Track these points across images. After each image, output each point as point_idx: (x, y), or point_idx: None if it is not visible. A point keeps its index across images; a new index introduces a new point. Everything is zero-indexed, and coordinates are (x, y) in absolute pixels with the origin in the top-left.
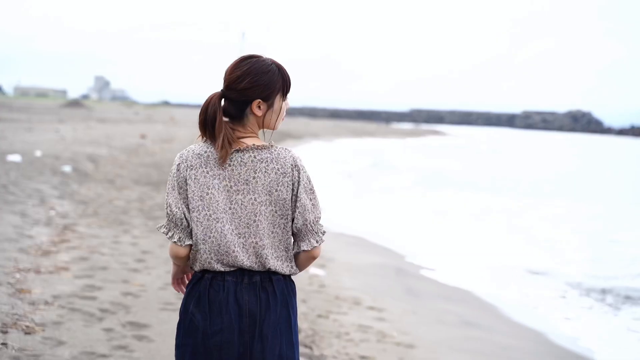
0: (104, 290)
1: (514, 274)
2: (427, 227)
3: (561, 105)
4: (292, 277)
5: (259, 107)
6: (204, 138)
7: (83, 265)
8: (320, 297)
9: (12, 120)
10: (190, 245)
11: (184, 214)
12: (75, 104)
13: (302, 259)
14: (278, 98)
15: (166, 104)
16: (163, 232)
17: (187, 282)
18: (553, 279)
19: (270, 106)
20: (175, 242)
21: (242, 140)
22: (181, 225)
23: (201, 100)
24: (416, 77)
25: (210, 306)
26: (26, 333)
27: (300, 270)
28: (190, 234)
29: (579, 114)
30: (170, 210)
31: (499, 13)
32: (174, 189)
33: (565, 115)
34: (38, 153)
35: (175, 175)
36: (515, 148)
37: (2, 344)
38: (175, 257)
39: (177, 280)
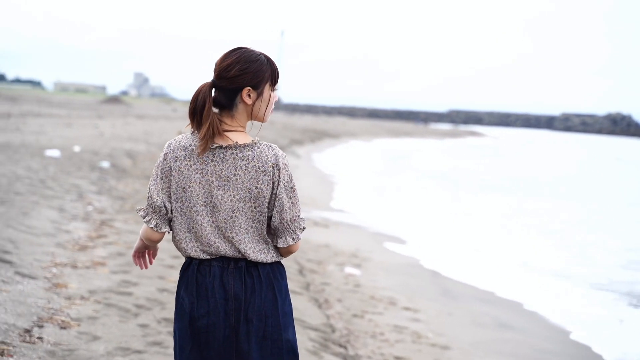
0: (140, 286)
1: (547, 277)
2: (460, 229)
3: (600, 107)
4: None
5: (249, 95)
6: (193, 128)
7: (119, 261)
8: (355, 296)
9: (52, 115)
10: (165, 232)
11: (164, 203)
12: (114, 100)
13: (281, 252)
14: (267, 87)
15: None
16: (141, 215)
17: (147, 257)
18: (586, 283)
19: (259, 95)
20: (152, 227)
21: (227, 133)
22: (160, 212)
23: None
24: (454, 76)
25: (198, 290)
26: (62, 327)
27: (289, 256)
28: (167, 222)
29: (619, 117)
30: (151, 197)
31: (535, 9)
32: (157, 177)
33: (604, 118)
34: (77, 148)
35: (161, 164)
36: (552, 150)
37: (38, 338)
38: (148, 240)
39: (137, 254)
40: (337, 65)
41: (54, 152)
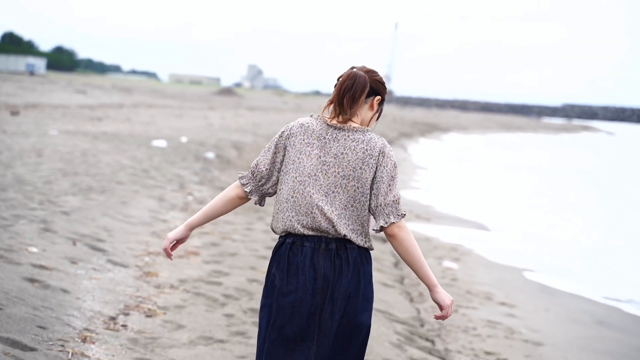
0: (230, 276)
1: None
2: (564, 225)
3: None
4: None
5: (376, 104)
6: (330, 105)
7: (213, 251)
8: (451, 290)
9: (164, 106)
10: (247, 199)
11: (267, 174)
12: (227, 91)
13: (386, 235)
14: (380, 110)
15: (317, 93)
16: (239, 178)
17: (172, 249)
18: None
19: (378, 111)
20: (246, 191)
21: (350, 120)
22: (259, 182)
23: None
24: (570, 69)
25: (289, 267)
26: (147, 316)
27: (394, 243)
28: (259, 193)
29: None
30: (256, 166)
31: None
32: (269, 151)
33: None
34: (184, 139)
35: (276, 140)
36: None
37: (122, 325)
38: (233, 200)
39: (170, 241)
40: (451, 58)
41: (160, 143)
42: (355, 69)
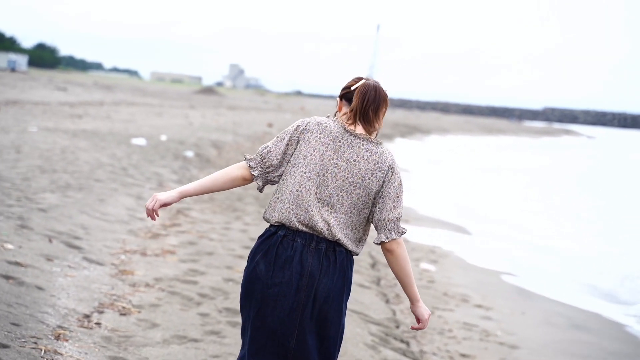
0: (207, 276)
1: (628, 280)
2: (543, 229)
3: None
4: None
5: (382, 116)
6: (346, 113)
7: (190, 250)
8: (428, 292)
9: (145, 104)
10: (250, 181)
11: (277, 164)
12: (208, 90)
13: (383, 250)
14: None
15: (299, 93)
16: (247, 159)
17: (157, 213)
18: None
19: (380, 123)
20: (253, 174)
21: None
22: (267, 168)
23: (334, 91)
24: (552, 72)
25: (276, 260)
26: (122, 314)
27: (390, 258)
28: (264, 179)
29: None
30: (269, 152)
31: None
32: (281, 141)
33: None
34: (163, 137)
35: (290, 132)
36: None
37: (96, 323)
38: (237, 179)
39: (158, 203)
40: (434, 60)
41: (140, 141)
42: (365, 80)
